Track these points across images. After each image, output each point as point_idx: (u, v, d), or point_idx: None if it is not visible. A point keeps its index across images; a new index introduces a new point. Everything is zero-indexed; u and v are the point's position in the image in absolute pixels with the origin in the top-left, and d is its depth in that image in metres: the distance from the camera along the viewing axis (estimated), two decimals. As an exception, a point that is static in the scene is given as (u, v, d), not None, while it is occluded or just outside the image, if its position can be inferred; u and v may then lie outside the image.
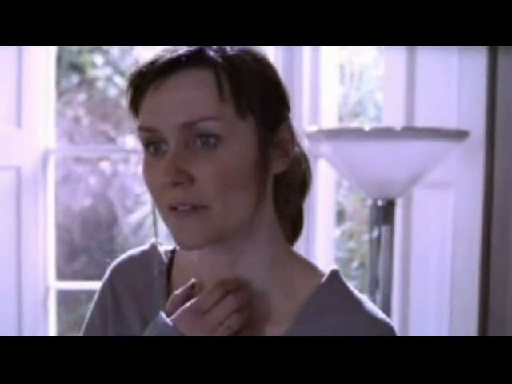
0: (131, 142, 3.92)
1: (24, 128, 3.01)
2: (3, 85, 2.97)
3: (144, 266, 1.21)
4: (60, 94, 4.22)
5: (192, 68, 1.04)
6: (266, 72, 1.09)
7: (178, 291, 1.12)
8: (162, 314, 1.08)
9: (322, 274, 1.13)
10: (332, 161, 2.45)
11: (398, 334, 1.09)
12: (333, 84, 3.05)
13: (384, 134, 2.35)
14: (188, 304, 1.08)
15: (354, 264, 4.30)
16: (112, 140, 4.52)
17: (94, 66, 4.44)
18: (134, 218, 4.15)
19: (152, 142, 1.06)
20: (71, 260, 4.32)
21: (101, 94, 4.50)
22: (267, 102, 1.07)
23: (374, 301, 2.27)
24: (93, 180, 4.50)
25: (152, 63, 1.05)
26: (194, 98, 1.03)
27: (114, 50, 4.29)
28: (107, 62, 4.41)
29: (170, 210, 1.05)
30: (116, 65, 4.40)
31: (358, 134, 2.38)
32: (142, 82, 1.05)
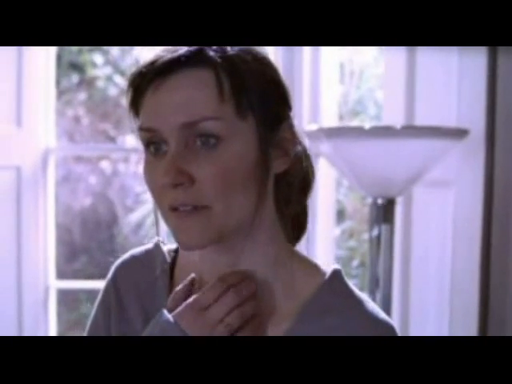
0: (131, 141, 3.93)
1: (24, 127, 3.01)
2: (3, 84, 2.97)
3: (147, 264, 1.21)
4: (60, 93, 4.22)
5: (192, 68, 1.04)
6: (267, 71, 1.08)
7: (178, 287, 1.12)
8: (164, 311, 1.08)
9: (323, 274, 1.13)
10: (332, 159, 2.45)
11: (398, 333, 1.09)
12: (333, 83, 3.05)
13: (384, 132, 2.35)
14: (189, 300, 1.08)
15: (355, 263, 4.30)
16: (112, 139, 4.52)
17: (94, 65, 4.44)
18: (134, 217, 4.15)
19: (152, 142, 1.06)
20: (71, 259, 4.32)
21: (101, 94, 4.50)
22: (268, 102, 1.07)
23: (374, 300, 2.27)
24: (93, 179, 4.50)
25: (152, 63, 1.05)
26: (194, 98, 1.03)
27: (114, 50, 4.29)
28: (107, 62, 4.41)
29: (171, 211, 1.05)
30: (116, 64, 4.41)
31: (358, 132, 2.38)
32: (142, 82, 1.05)
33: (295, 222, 1.18)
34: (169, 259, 1.20)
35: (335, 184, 3.12)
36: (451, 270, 2.66)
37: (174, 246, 1.21)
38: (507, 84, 2.50)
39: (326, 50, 2.95)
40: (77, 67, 4.43)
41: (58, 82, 3.69)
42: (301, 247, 1.20)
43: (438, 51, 2.51)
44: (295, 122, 1.13)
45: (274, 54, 2.83)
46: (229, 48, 1.06)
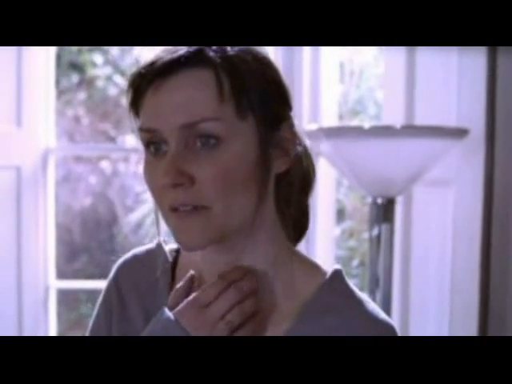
0: (131, 141, 3.92)
1: (24, 127, 3.01)
2: (3, 84, 2.97)
3: (149, 264, 1.21)
4: (60, 93, 4.22)
5: (192, 68, 1.04)
6: (267, 71, 1.08)
7: (178, 285, 1.12)
8: (165, 309, 1.08)
9: (324, 274, 1.13)
10: (332, 159, 2.45)
11: (398, 332, 1.09)
12: (333, 82, 3.05)
13: (384, 132, 2.35)
14: (190, 298, 1.08)
15: (355, 262, 4.30)
16: (112, 139, 4.52)
17: (93, 65, 4.44)
18: (134, 217, 4.15)
19: (152, 143, 1.06)
20: (71, 259, 4.32)
21: (101, 94, 4.50)
22: (268, 102, 1.07)
23: (374, 299, 2.27)
24: (93, 179, 4.50)
25: (152, 64, 1.05)
26: (193, 98, 1.03)
27: (114, 50, 4.29)
28: (107, 62, 4.41)
29: (171, 211, 1.05)
30: (116, 64, 4.40)
31: (358, 132, 2.38)
32: (142, 82, 1.05)
33: (296, 222, 1.18)
34: (170, 259, 1.20)
35: (335, 183, 3.12)
36: (451, 269, 2.66)
37: (175, 245, 1.21)
38: (507, 84, 2.50)
39: (325, 50, 2.95)
40: (77, 67, 4.42)
41: (57, 82, 3.69)
42: (301, 247, 1.20)
43: (437, 51, 2.51)
44: (295, 121, 1.13)
45: (273, 53, 2.83)
46: (229, 48, 1.06)
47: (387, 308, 2.38)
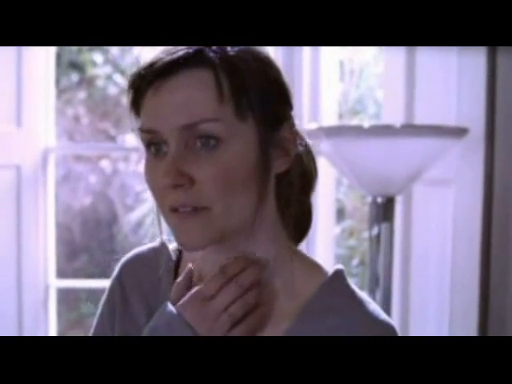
0: (131, 140, 3.92)
1: (24, 127, 3.01)
2: (3, 84, 2.97)
3: (152, 263, 1.21)
4: (60, 92, 4.22)
5: (192, 69, 1.04)
6: (267, 71, 1.08)
7: (178, 279, 1.12)
8: (168, 303, 1.09)
9: (325, 274, 1.13)
10: (332, 158, 2.45)
11: (398, 331, 1.09)
12: (333, 82, 3.05)
13: (383, 131, 2.35)
14: (192, 291, 1.08)
15: (355, 262, 4.30)
16: (112, 138, 4.52)
17: (93, 64, 4.44)
18: (135, 216, 4.15)
19: (153, 143, 1.06)
20: (71, 258, 4.32)
21: (101, 93, 4.50)
22: (268, 102, 1.07)
23: (373, 298, 2.27)
24: (93, 178, 4.50)
25: (151, 65, 1.05)
26: (193, 99, 1.03)
27: (114, 49, 4.29)
28: (107, 61, 4.41)
29: (171, 211, 1.05)
30: (116, 63, 4.40)
31: (358, 131, 2.38)
32: (142, 83, 1.05)
33: (297, 222, 1.18)
34: (174, 257, 1.21)
35: (335, 183, 3.12)
36: (451, 268, 2.66)
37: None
38: (507, 83, 2.50)
39: (325, 49, 2.95)
40: (76, 66, 4.42)
41: (57, 81, 3.69)
42: (300, 246, 1.20)
43: (437, 50, 2.51)
44: (295, 121, 1.13)
45: (273, 53, 2.83)
46: (229, 48, 1.05)
47: (387, 307, 2.38)
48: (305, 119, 2.84)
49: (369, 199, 2.46)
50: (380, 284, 2.41)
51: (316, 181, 1.19)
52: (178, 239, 1.07)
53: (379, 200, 2.40)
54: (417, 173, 2.38)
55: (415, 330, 2.71)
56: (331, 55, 3.02)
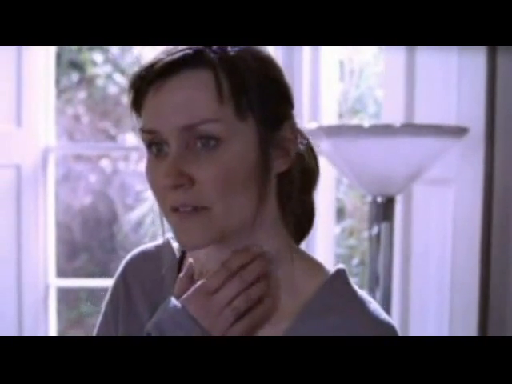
0: (131, 139, 3.93)
1: (24, 126, 3.01)
2: (3, 83, 2.97)
3: (157, 260, 1.22)
4: (60, 92, 4.22)
5: (192, 69, 1.04)
6: (268, 70, 1.08)
7: (181, 274, 1.13)
8: (171, 297, 1.09)
9: (327, 273, 1.13)
10: (332, 158, 2.45)
11: (398, 330, 1.09)
12: (332, 81, 3.06)
13: (383, 130, 2.35)
14: (196, 285, 1.09)
15: (355, 261, 4.29)
16: (112, 138, 4.52)
17: (93, 63, 4.43)
18: (135, 215, 4.15)
19: (154, 143, 1.07)
20: (71, 258, 4.32)
21: (101, 92, 4.49)
22: (268, 101, 1.07)
23: (373, 298, 2.27)
24: (93, 178, 4.49)
25: (152, 66, 1.05)
26: (193, 99, 1.03)
27: (114, 48, 4.28)
28: (107, 60, 4.41)
29: (172, 211, 1.06)
30: (116, 63, 4.40)
31: (358, 130, 2.38)
32: (143, 83, 1.06)
33: (298, 221, 1.18)
34: (178, 255, 1.21)
35: (335, 182, 3.12)
36: (451, 268, 2.66)
37: None
38: (506, 83, 2.50)
39: (325, 49, 2.95)
40: (76, 66, 4.42)
41: (57, 81, 3.69)
42: (301, 246, 1.20)
43: (437, 50, 2.51)
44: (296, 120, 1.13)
45: (273, 53, 2.82)
46: (229, 48, 1.06)
47: (387, 307, 2.38)
48: (305, 119, 2.84)
49: (369, 199, 2.46)
50: (380, 283, 2.41)
51: (318, 179, 1.19)
52: (178, 238, 1.08)
53: (379, 199, 2.40)
54: (417, 172, 2.38)
55: (415, 330, 2.72)
56: (331, 55, 3.02)
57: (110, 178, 4.43)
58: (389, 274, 2.43)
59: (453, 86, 2.60)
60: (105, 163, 4.44)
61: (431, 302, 2.72)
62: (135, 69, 1.08)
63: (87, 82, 4.47)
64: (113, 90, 4.46)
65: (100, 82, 4.48)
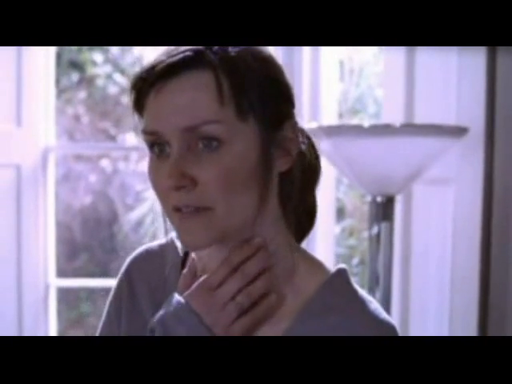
0: (131, 139, 3.92)
1: (24, 126, 3.01)
2: (3, 84, 2.97)
3: (160, 259, 1.22)
4: (60, 92, 4.22)
5: (192, 70, 1.04)
6: (267, 70, 1.08)
7: (184, 271, 1.14)
8: (175, 294, 1.10)
9: (327, 272, 1.13)
10: (332, 158, 2.45)
11: (398, 330, 1.09)
12: (332, 81, 3.05)
13: (383, 130, 2.35)
14: (199, 281, 1.09)
15: (354, 261, 4.29)
16: (112, 138, 4.52)
17: (93, 63, 4.43)
18: (135, 215, 4.15)
19: (156, 144, 1.07)
20: (71, 258, 4.32)
21: (101, 92, 4.49)
22: (269, 101, 1.07)
23: (373, 297, 2.27)
24: (93, 178, 4.49)
25: (153, 67, 1.05)
26: (194, 101, 1.03)
27: (114, 48, 4.28)
28: (107, 60, 4.41)
29: (175, 211, 1.06)
30: (116, 63, 4.40)
31: (358, 130, 2.38)
32: (144, 85, 1.06)
33: (300, 219, 1.18)
34: (181, 254, 1.21)
35: (335, 182, 3.12)
36: (451, 267, 2.66)
37: None
38: (506, 82, 2.50)
39: (325, 49, 2.95)
40: (77, 66, 4.42)
41: (57, 81, 3.69)
42: (301, 245, 1.20)
43: (437, 50, 2.51)
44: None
45: (273, 53, 2.82)
46: (229, 48, 1.06)
47: (387, 306, 2.38)
48: (305, 118, 2.83)
49: (369, 198, 2.46)
50: (380, 283, 2.41)
51: (320, 177, 1.19)
52: (181, 238, 1.08)
53: (379, 199, 2.40)
54: (417, 172, 2.38)
55: (415, 330, 2.72)
56: (331, 55, 3.02)
57: (110, 177, 4.43)
58: (389, 273, 2.43)
59: (453, 86, 2.60)
60: (105, 163, 4.44)
61: (431, 301, 2.72)
62: (135, 69, 1.08)
63: (87, 81, 4.47)
64: (113, 89, 4.46)
65: (100, 81, 4.48)
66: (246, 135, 1.05)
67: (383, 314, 1.09)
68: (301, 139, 1.13)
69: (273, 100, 1.08)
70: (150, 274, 1.22)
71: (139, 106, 1.08)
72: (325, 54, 2.96)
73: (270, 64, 1.10)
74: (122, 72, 4.31)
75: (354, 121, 4.13)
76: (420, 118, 2.66)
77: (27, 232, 3.02)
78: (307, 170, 1.17)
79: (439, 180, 2.66)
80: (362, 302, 1.10)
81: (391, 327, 1.08)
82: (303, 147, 1.14)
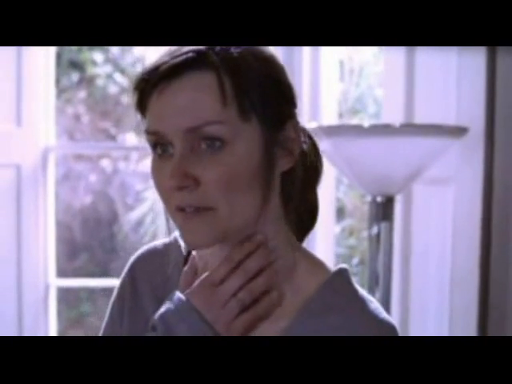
0: (131, 139, 3.92)
1: (24, 126, 3.01)
2: (3, 84, 2.98)
3: (163, 257, 1.23)
4: (60, 91, 4.22)
5: (195, 71, 1.04)
6: (269, 70, 1.08)
7: (185, 268, 1.14)
8: (176, 291, 1.10)
9: (328, 272, 1.14)
10: (332, 158, 2.45)
11: (398, 330, 1.09)
12: (332, 81, 3.06)
13: (383, 130, 2.35)
14: (200, 278, 1.09)
15: (354, 261, 4.29)
16: (112, 137, 4.51)
17: (94, 63, 4.43)
18: (135, 215, 4.15)
19: (159, 144, 1.07)
20: (71, 257, 4.31)
21: (101, 92, 4.49)
22: (271, 102, 1.07)
23: (373, 297, 2.27)
24: (93, 177, 4.49)
25: (156, 68, 1.05)
26: (197, 101, 1.03)
27: (114, 48, 4.28)
28: (107, 60, 4.41)
29: (178, 211, 1.07)
30: (116, 62, 4.40)
31: (358, 130, 2.38)
32: (147, 86, 1.06)
33: (301, 218, 1.18)
34: (184, 253, 1.22)
35: (335, 182, 3.12)
36: (451, 267, 2.66)
37: None
38: (506, 82, 2.50)
39: (325, 49, 2.95)
40: (77, 65, 4.42)
41: (57, 81, 3.69)
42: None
43: (437, 50, 2.51)
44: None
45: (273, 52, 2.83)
46: (232, 49, 1.06)
47: (387, 306, 2.38)
48: (305, 118, 2.84)
49: (368, 198, 2.46)
50: (380, 283, 2.42)
51: (321, 176, 1.20)
52: (183, 238, 1.09)
53: (379, 199, 2.41)
54: (416, 172, 2.39)
55: (415, 330, 2.72)
56: (331, 55, 3.02)
57: (110, 177, 4.43)
58: (389, 273, 2.43)
59: (452, 86, 2.61)
60: (105, 163, 4.44)
61: (431, 301, 2.72)
62: (136, 69, 1.08)
63: (87, 81, 4.47)
64: (113, 89, 4.46)
65: (100, 81, 4.48)
66: (249, 135, 1.05)
67: (383, 314, 1.09)
68: (302, 139, 1.13)
69: (275, 100, 1.08)
70: (152, 273, 1.22)
71: (142, 106, 1.08)
72: (325, 53, 2.97)
73: (272, 64, 1.10)
74: (123, 72, 4.31)
75: (354, 121, 4.13)
76: (420, 118, 2.66)
77: (27, 232, 3.02)
78: (309, 169, 1.17)
79: (439, 180, 2.66)
80: (362, 302, 1.10)
81: (391, 327, 1.08)
82: (305, 147, 1.14)
